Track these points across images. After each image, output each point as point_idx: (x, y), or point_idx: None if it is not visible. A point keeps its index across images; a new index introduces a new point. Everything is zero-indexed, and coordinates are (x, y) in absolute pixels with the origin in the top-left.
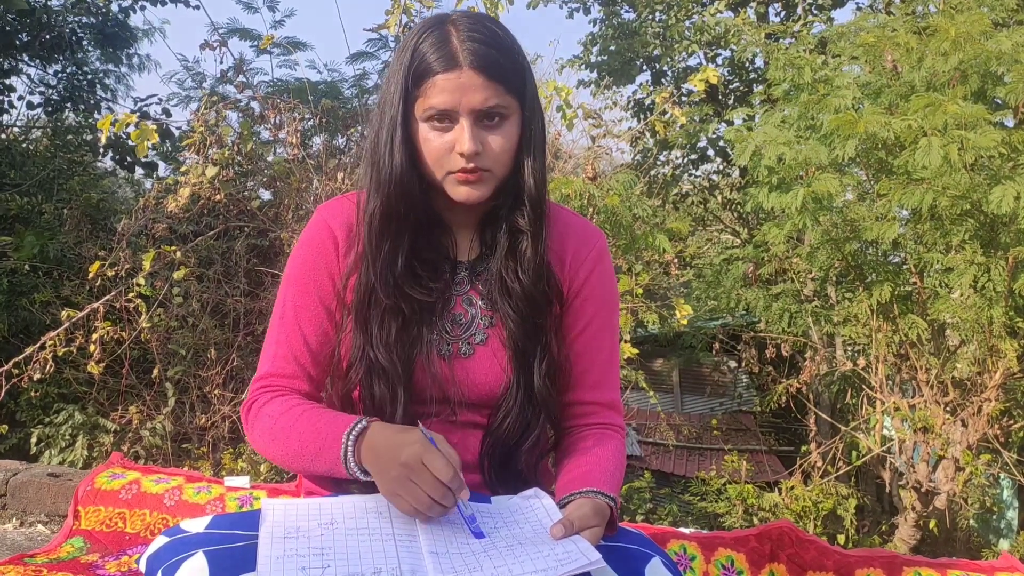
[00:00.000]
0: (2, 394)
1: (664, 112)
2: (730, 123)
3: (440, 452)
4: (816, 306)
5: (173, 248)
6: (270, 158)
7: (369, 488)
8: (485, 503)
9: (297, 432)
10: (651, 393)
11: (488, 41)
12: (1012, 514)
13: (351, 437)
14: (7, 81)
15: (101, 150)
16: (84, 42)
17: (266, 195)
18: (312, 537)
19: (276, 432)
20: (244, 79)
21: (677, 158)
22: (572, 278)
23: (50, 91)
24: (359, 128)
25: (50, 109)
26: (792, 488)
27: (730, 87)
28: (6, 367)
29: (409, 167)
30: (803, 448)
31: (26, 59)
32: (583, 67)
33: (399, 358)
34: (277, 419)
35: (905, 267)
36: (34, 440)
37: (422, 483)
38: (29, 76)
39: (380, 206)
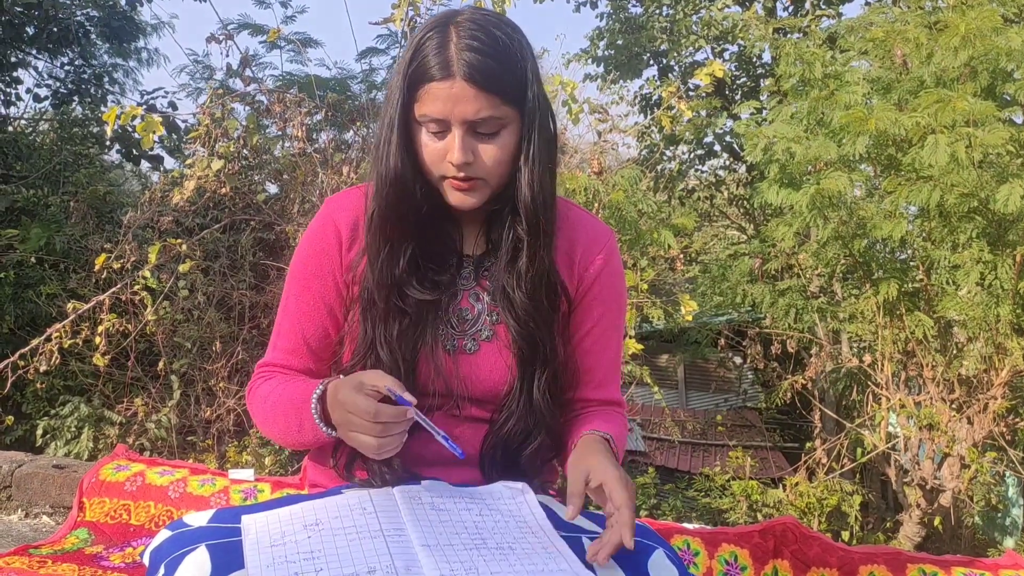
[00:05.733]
0: (8, 386)
1: (671, 107)
2: (737, 118)
3: (358, 394)
4: (822, 302)
5: (179, 241)
6: (276, 152)
7: (370, 478)
8: (469, 488)
9: (283, 410)
10: (656, 389)
11: (486, 50)
12: (1017, 512)
13: (316, 401)
14: (14, 74)
15: (108, 143)
16: (92, 35)
17: (272, 189)
18: (299, 541)
19: (267, 414)
20: (251, 73)
21: (683, 153)
22: (581, 276)
23: (57, 84)
24: (365, 122)
25: (57, 102)
26: (796, 484)
27: (737, 82)
28: (12, 359)
29: (407, 168)
30: (808, 445)
31: (34, 52)
32: (589, 61)
33: (402, 355)
34: (267, 398)
35: (912, 264)
36: (39, 432)
37: (360, 428)
38: (36, 69)
39: (379, 208)
